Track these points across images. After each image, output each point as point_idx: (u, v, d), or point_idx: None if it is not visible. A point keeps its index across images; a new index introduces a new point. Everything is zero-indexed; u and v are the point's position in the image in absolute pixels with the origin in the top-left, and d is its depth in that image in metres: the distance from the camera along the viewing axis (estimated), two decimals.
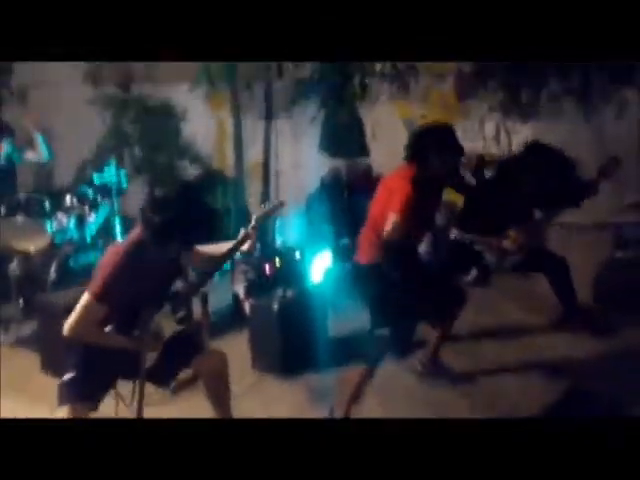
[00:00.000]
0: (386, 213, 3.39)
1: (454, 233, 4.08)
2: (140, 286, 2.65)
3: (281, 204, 3.39)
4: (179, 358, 2.99)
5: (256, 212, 3.25)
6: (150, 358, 2.76)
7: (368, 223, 3.63)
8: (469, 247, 4.09)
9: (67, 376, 2.73)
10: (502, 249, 4.00)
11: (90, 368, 2.73)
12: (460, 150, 3.53)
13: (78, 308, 2.66)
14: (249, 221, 3.21)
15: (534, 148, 4.07)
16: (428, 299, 3.55)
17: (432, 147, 3.44)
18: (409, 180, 3.40)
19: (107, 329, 2.65)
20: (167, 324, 2.97)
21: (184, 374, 3.27)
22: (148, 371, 2.76)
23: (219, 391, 3.25)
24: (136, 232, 2.80)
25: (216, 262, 3.11)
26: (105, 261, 2.74)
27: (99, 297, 2.62)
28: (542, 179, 3.94)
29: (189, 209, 2.71)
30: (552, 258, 4.31)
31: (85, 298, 2.66)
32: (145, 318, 2.71)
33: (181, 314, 3.37)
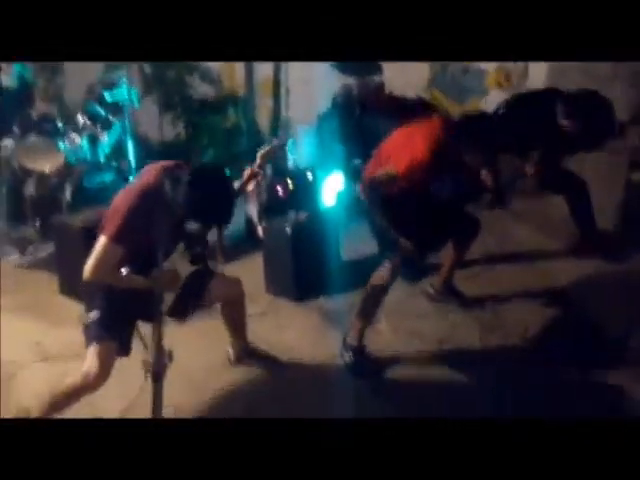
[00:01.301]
0: (393, 158, 3.35)
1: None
2: (155, 227, 2.67)
3: (284, 143, 3.38)
4: (195, 289, 3.05)
5: (260, 150, 3.21)
6: (169, 294, 2.81)
7: (375, 159, 3.56)
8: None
9: (90, 316, 2.80)
10: (522, 171, 3.97)
11: (112, 307, 2.79)
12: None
13: (95, 251, 2.69)
14: (257, 148, 3.23)
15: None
16: (440, 229, 3.56)
17: (474, 137, 3.32)
18: (430, 144, 3.26)
19: (124, 270, 2.69)
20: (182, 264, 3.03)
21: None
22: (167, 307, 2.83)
23: (235, 316, 3.35)
24: (151, 174, 2.79)
25: None
26: (119, 202, 2.75)
27: (115, 239, 2.64)
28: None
29: (219, 198, 2.74)
30: (573, 180, 4.22)
31: (101, 240, 2.68)
32: (161, 258, 2.74)
33: (195, 252, 3.40)
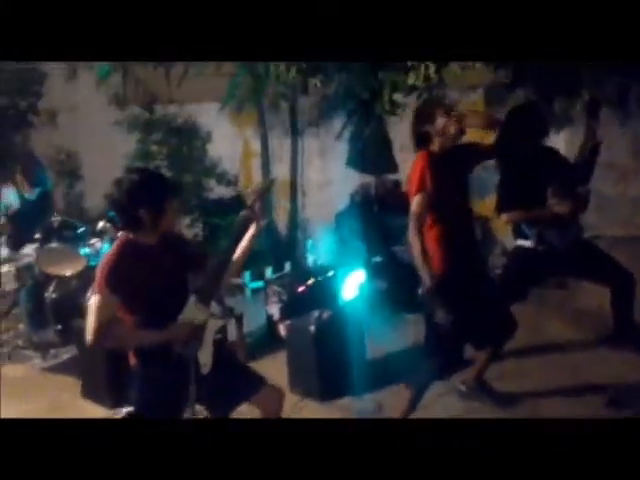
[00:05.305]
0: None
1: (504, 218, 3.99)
2: (148, 278, 2.63)
3: (272, 181, 3.22)
4: (241, 393, 2.94)
5: (250, 190, 3.05)
6: (210, 391, 2.73)
7: None
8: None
9: (125, 410, 2.72)
10: (557, 216, 3.87)
11: (147, 401, 2.72)
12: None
13: (90, 313, 2.60)
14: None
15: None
16: (480, 325, 3.48)
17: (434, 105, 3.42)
18: (423, 158, 3.34)
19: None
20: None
21: None
22: (208, 405, 2.76)
23: None
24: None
25: (228, 255, 2.91)
26: (100, 262, 2.72)
27: (104, 290, 2.57)
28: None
29: (144, 178, 2.69)
30: (621, 271, 4.09)
31: (92, 300, 2.61)
32: (170, 313, 2.68)
33: (216, 337, 3.27)
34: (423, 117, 3.42)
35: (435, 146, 3.39)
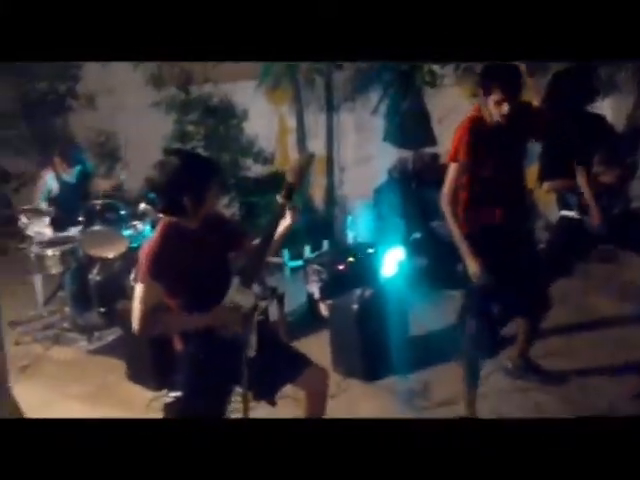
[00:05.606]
0: None
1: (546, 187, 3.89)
2: (192, 262, 2.60)
3: (312, 156, 3.09)
4: (285, 375, 2.92)
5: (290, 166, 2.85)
6: (255, 373, 2.71)
7: None
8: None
9: (172, 395, 2.72)
10: (602, 185, 3.75)
11: (195, 386, 2.72)
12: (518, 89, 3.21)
13: (135, 301, 2.59)
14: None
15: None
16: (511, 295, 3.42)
17: (496, 80, 3.15)
18: (466, 126, 3.23)
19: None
20: None
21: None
22: (253, 387, 2.74)
23: (317, 406, 3.16)
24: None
25: (269, 234, 2.81)
26: (143, 248, 2.67)
27: (147, 278, 2.55)
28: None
29: (188, 163, 2.62)
30: None
31: (136, 289, 2.60)
32: (214, 295, 2.66)
33: (259, 318, 3.26)
34: (481, 81, 3.26)
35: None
